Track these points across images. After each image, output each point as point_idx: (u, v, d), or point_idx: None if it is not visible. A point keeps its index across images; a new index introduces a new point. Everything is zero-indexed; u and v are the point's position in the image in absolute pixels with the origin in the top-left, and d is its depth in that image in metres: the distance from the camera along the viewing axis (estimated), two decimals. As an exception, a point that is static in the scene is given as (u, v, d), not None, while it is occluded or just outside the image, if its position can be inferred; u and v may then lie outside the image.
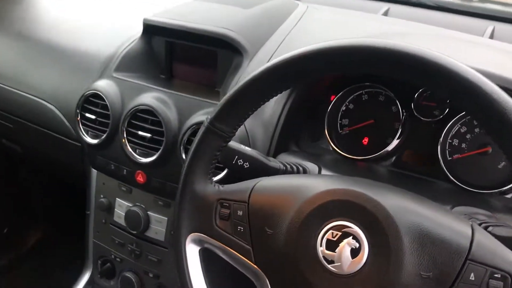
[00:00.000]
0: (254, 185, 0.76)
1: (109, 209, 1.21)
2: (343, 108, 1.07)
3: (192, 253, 0.79)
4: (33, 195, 2.07)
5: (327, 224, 0.68)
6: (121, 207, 1.18)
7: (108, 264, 1.24)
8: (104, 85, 1.16)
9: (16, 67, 1.39)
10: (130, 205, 1.17)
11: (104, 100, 1.14)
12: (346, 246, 0.67)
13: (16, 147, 1.56)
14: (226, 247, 0.77)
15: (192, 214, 0.79)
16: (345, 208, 0.68)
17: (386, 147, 1.00)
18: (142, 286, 1.20)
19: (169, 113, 1.07)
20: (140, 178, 1.13)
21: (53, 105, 1.30)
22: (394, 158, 1.03)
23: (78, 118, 1.19)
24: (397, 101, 1.01)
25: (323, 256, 0.67)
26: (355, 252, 0.66)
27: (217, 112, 0.77)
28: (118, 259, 1.22)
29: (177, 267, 0.79)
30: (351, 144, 1.05)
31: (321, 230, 0.68)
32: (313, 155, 1.03)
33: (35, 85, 1.34)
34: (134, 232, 1.15)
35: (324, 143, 1.08)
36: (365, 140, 1.06)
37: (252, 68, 1.07)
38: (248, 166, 0.87)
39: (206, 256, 0.80)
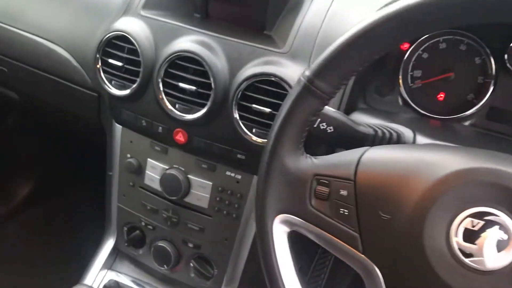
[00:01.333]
0: (360, 158, 0.63)
1: (139, 171, 1.05)
2: (415, 57, 0.92)
3: (279, 237, 0.66)
4: (25, 149, 1.87)
5: (465, 211, 0.56)
6: (155, 170, 1.03)
7: (137, 231, 1.10)
8: (131, 25, 0.97)
9: (16, 2, 1.16)
10: (166, 167, 1.01)
11: (132, 44, 0.95)
12: (490, 238, 0.55)
13: (11, 94, 1.35)
14: (324, 232, 0.64)
15: (281, 192, 0.65)
16: (490, 192, 0.56)
17: (470, 104, 0.87)
18: (178, 257, 1.07)
19: (218, 62, 0.90)
20: (180, 137, 0.97)
21: (63, 48, 1.10)
22: (476, 116, 0.90)
23: (99, 65, 1.00)
24: (488, 52, 0.87)
25: (459, 249, 0.56)
26: (501, 245, 0.55)
27: (318, 67, 0.62)
28: (149, 227, 1.08)
29: (262, 254, 0.66)
30: (425, 100, 0.92)
31: (457, 218, 0.56)
32: (386, 113, 0.90)
33: (40, 22, 1.13)
34: (172, 198, 1.01)
35: (392, 99, 0.94)
36: (441, 96, 0.92)
37: (318, 8, 0.90)
38: (332, 130, 0.73)
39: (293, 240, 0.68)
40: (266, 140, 0.77)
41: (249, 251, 1.01)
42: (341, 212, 0.62)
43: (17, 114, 1.76)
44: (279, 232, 0.66)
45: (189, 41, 0.93)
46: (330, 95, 0.63)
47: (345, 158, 0.64)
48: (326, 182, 0.63)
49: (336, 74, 0.62)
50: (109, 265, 1.16)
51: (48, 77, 1.17)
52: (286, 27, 0.92)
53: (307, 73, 0.62)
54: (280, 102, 0.71)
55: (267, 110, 0.86)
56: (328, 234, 0.63)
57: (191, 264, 1.05)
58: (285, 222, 0.66)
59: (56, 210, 1.89)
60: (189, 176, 1.00)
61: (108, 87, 1.00)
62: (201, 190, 0.99)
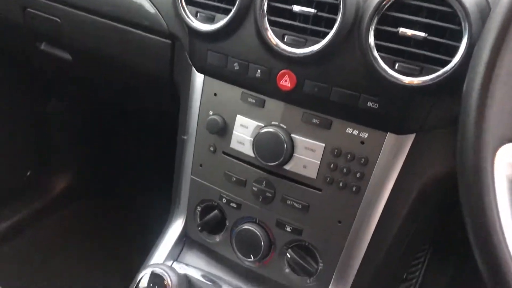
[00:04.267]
0: None
1: (224, 131, 0.82)
2: None
3: (501, 181, 0.41)
4: (65, 131, 1.70)
5: None
6: (246, 129, 0.80)
7: (215, 211, 0.86)
8: None
9: None
10: (262, 124, 0.78)
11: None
12: None
13: (64, 55, 1.16)
14: None
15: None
16: None
17: None
18: (270, 245, 0.82)
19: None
20: (286, 81, 0.73)
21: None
22: None
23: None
24: None
25: None
26: None
27: None
28: (233, 205, 0.84)
29: (474, 205, 0.41)
30: None
31: None
32: None
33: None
34: (268, 164, 0.77)
35: None
36: None
37: None
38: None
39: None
40: (414, 78, 0.62)
41: (371, 240, 0.75)
42: None
43: (67, 92, 1.59)
44: (501, 174, 0.41)
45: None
46: None
47: None
48: None
49: None
50: (175, 255, 0.91)
51: (111, 25, 0.97)
52: None
53: None
54: (443, 25, 0.58)
55: (421, 34, 0.63)
56: None
57: (288, 255, 0.80)
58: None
59: (112, 200, 1.72)
60: (293, 135, 0.76)
61: (192, 21, 0.79)
62: (308, 154, 0.75)
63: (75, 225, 1.68)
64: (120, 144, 1.79)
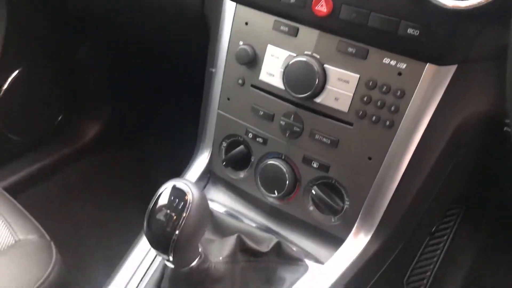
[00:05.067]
0: None
1: (253, 62, 0.79)
2: None
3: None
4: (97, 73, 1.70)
5: None
6: (277, 59, 0.76)
7: (241, 146, 0.84)
8: None
9: None
10: (294, 54, 0.74)
11: None
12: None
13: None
14: None
15: None
16: None
17: None
18: (295, 181, 0.79)
19: None
20: (322, 6, 0.69)
21: None
22: None
23: None
24: None
25: None
26: None
27: None
28: (259, 140, 0.82)
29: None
30: None
31: None
32: None
33: None
34: (298, 96, 0.74)
35: None
36: None
37: None
38: None
39: None
40: (459, 2, 0.57)
41: (401, 179, 0.72)
42: None
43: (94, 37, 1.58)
44: None
45: None
46: None
47: None
48: None
49: None
50: (198, 191, 0.90)
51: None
52: None
53: None
54: None
55: None
56: None
57: (313, 192, 0.78)
58: None
59: (140, 148, 1.72)
60: (326, 65, 0.72)
61: None
62: (341, 86, 0.72)
63: (104, 170, 1.69)
64: (149, 93, 1.78)
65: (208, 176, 0.91)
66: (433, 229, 1.11)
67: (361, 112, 0.71)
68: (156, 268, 0.76)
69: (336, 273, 0.73)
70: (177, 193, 0.59)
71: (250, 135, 0.83)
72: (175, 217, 0.58)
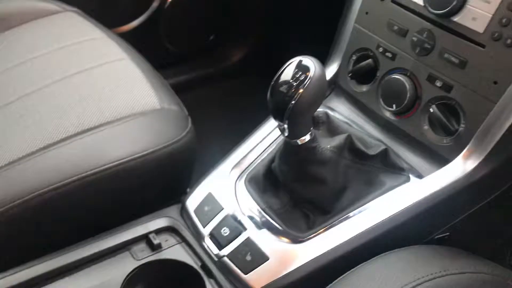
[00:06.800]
0: None
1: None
2: None
3: None
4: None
5: None
6: (420, -26, 0.78)
7: (369, 60, 0.88)
8: None
9: None
10: (438, -30, 0.76)
11: None
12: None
13: None
14: None
15: None
16: None
17: None
18: (415, 98, 0.81)
19: None
20: None
21: None
22: None
23: None
24: None
25: None
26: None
27: None
28: (388, 54, 0.85)
29: None
30: None
31: None
32: None
33: None
34: (436, 12, 0.75)
35: None
36: None
37: None
38: None
39: None
40: None
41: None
42: None
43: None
44: None
45: None
46: None
47: None
48: None
49: None
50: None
51: None
52: None
53: None
54: None
55: None
56: None
57: (431, 110, 0.80)
58: None
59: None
60: (470, -17, 0.73)
61: None
62: (482, 5, 0.72)
63: (244, 94, 1.81)
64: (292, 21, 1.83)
65: (332, 87, 0.97)
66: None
67: (496, 34, 0.71)
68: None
69: (435, 187, 0.75)
70: (301, 68, 0.66)
71: (381, 49, 0.86)
72: (294, 89, 0.66)
